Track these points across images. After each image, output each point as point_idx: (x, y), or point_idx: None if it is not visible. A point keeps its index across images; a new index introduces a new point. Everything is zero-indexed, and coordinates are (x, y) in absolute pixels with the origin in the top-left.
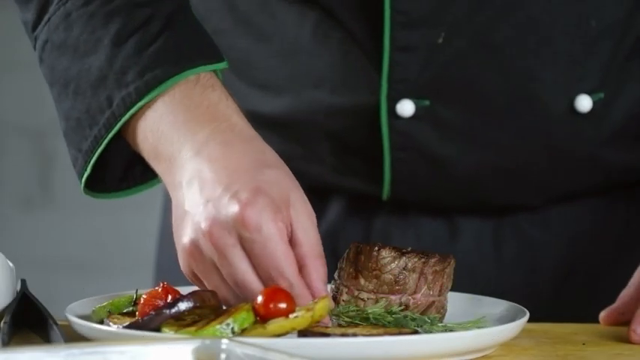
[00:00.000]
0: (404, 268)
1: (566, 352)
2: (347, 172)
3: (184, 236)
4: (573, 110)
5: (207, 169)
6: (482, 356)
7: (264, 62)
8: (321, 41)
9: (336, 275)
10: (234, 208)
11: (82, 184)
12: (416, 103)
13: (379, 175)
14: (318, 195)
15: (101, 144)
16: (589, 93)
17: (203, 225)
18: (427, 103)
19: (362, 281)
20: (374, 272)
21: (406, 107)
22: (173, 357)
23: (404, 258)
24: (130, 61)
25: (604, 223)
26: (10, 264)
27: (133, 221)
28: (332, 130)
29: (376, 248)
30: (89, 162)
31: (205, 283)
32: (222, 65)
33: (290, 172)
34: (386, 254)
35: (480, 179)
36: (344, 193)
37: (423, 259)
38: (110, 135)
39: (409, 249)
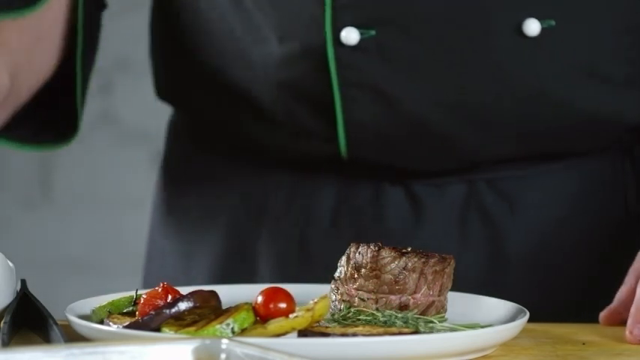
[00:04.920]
0: (404, 268)
1: (566, 352)
2: (302, 130)
3: None
4: (521, 33)
5: None
6: (483, 356)
7: (217, 28)
8: None
9: (335, 275)
10: None
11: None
12: (362, 34)
13: (333, 126)
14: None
15: None
16: (538, 18)
17: None
18: (373, 32)
19: (362, 281)
20: (374, 272)
21: (351, 35)
22: (173, 357)
23: (404, 258)
24: None
25: (600, 222)
26: (10, 264)
27: (133, 221)
28: (284, 81)
29: (376, 248)
30: None
31: None
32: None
33: None
34: (386, 254)
35: (436, 121)
36: (301, 161)
37: (423, 259)
38: None
39: (409, 249)
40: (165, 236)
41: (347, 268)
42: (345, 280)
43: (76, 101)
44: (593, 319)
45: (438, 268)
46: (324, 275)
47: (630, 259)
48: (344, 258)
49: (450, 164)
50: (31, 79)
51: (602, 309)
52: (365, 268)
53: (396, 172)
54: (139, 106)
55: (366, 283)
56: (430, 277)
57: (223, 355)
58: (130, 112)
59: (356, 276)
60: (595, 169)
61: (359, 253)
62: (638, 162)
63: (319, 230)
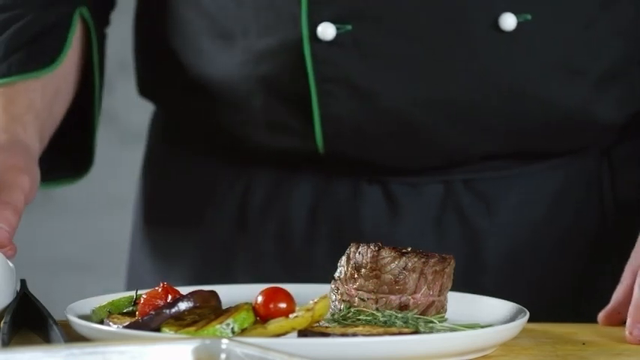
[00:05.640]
0: (404, 268)
1: (566, 352)
2: (280, 126)
3: None
4: (497, 28)
5: None
6: (483, 356)
7: (196, 23)
8: None
9: (335, 275)
10: None
11: None
12: (338, 29)
13: (310, 122)
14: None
15: None
16: (514, 12)
17: None
18: (349, 27)
19: (362, 281)
20: (374, 272)
21: (327, 30)
22: (173, 357)
23: (404, 258)
24: None
25: (577, 223)
26: (10, 264)
27: None
28: (262, 76)
29: (376, 248)
30: None
31: None
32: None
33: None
34: (386, 254)
35: (412, 116)
36: (280, 158)
37: (423, 259)
38: None
39: (409, 249)
40: (145, 238)
41: (347, 268)
42: (345, 280)
43: (92, 139)
44: (572, 319)
45: (438, 268)
46: (302, 274)
47: (611, 260)
48: (344, 258)
49: (427, 161)
50: (50, 129)
51: (580, 309)
52: (365, 268)
53: (374, 170)
54: (139, 106)
55: (366, 283)
56: (430, 277)
57: (223, 355)
58: (129, 112)
59: (356, 276)
60: (572, 171)
61: (359, 253)
62: (615, 163)
63: (297, 229)
